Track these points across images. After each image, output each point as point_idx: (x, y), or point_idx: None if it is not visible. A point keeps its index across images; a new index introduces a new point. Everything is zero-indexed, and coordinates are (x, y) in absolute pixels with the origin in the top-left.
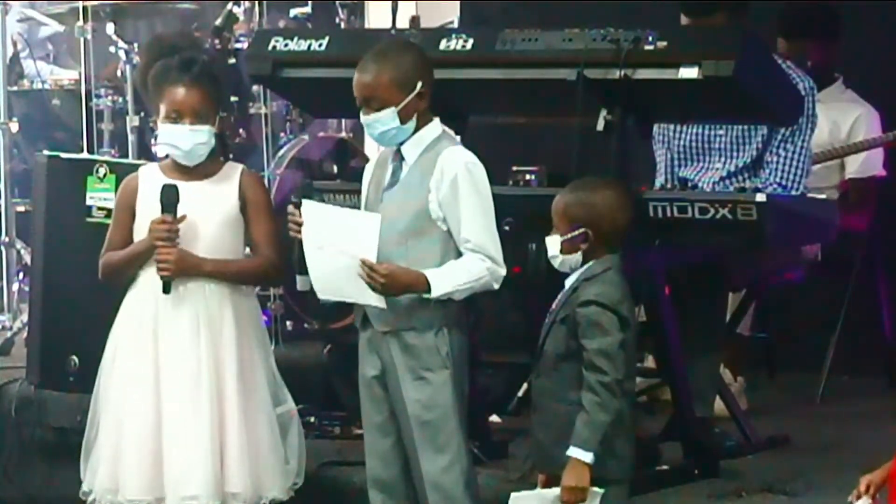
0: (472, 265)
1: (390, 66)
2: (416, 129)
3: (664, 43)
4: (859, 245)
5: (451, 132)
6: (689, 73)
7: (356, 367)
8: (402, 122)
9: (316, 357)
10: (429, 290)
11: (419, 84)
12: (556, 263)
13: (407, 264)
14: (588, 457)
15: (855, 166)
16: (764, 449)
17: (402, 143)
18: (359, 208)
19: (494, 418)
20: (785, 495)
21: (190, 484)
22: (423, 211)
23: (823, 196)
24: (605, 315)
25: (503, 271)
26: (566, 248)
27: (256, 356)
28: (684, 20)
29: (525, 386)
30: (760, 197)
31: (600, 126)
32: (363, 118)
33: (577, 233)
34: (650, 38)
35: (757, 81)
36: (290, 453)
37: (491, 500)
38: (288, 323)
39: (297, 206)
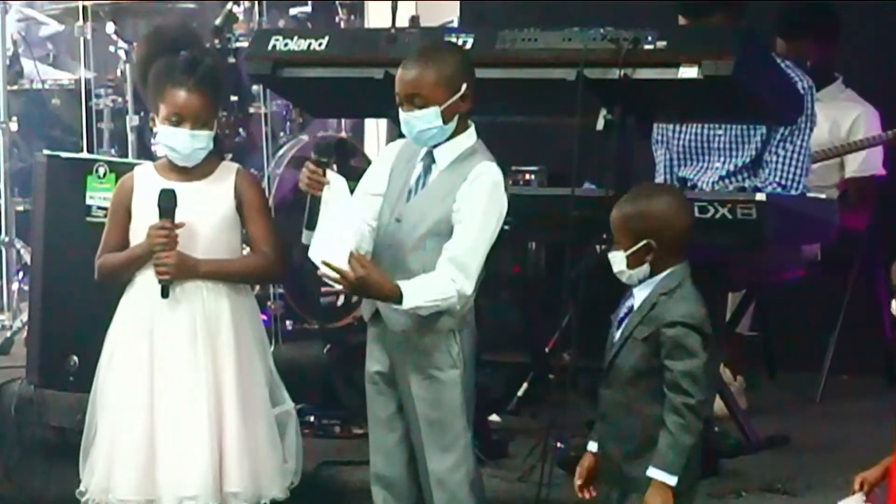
0: (444, 285)
1: (437, 64)
2: (453, 134)
3: (664, 43)
4: (859, 244)
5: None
6: (689, 72)
7: (355, 367)
8: (445, 122)
9: (315, 357)
10: (399, 302)
11: (464, 86)
12: (623, 279)
13: (422, 267)
14: (672, 480)
15: (854, 165)
16: (764, 448)
17: (435, 146)
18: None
19: (494, 418)
20: (785, 494)
21: (188, 484)
22: (446, 218)
23: (823, 195)
24: (692, 336)
25: (470, 291)
26: (633, 263)
27: (255, 356)
28: (682, 21)
29: (524, 385)
30: (760, 196)
31: (600, 126)
32: (404, 115)
33: (640, 245)
34: (650, 38)
35: (756, 81)
36: (288, 453)
37: (491, 499)
38: (287, 322)
39: (319, 163)
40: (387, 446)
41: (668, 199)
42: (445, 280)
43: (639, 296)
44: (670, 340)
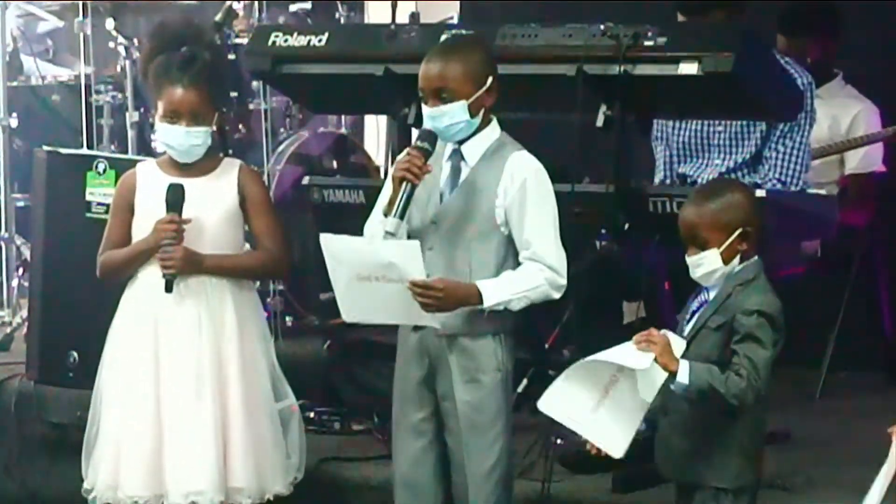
0: (529, 274)
1: (464, 58)
2: (479, 128)
3: (664, 39)
4: (859, 241)
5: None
6: (689, 68)
7: (356, 363)
8: (472, 116)
9: (316, 353)
10: (481, 302)
11: (490, 79)
12: (712, 280)
13: (469, 268)
14: (683, 379)
15: (854, 162)
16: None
17: (461, 142)
18: (365, 202)
19: None
20: (784, 491)
21: (195, 479)
22: (489, 216)
23: (823, 192)
24: (766, 328)
25: (563, 281)
26: (727, 257)
27: (258, 351)
28: (680, 19)
29: (524, 382)
30: (760, 193)
31: (600, 122)
32: (429, 110)
33: (736, 235)
34: (650, 34)
35: (756, 77)
36: (291, 448)
37: None
38: (287, 318)
39: (421, 150)
40: (414, 451)
41: (745, 188)
42: (532, 271)
43: (713, 289)
44: (744, 328)
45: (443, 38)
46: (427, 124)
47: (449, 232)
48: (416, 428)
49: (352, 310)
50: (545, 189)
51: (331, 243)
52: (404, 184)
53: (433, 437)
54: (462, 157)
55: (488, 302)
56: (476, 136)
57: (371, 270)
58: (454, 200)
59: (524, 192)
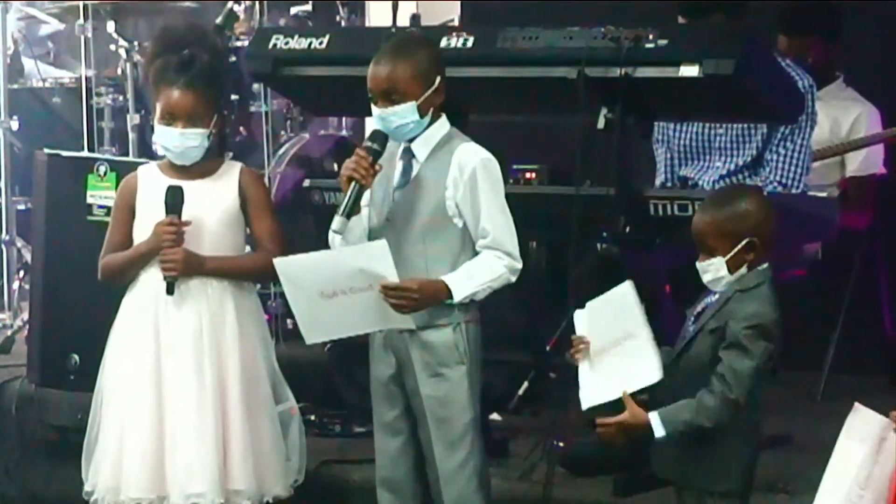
0: (490, 263)
1: (411, 59)
2: (428, 125)
3: (665, 41)
4: (859, 243)
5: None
6: (690, 71)
7: (356, 366)
8: (421, 116)
9: (316, 355)
10: (451, 296)
11: (437, 79)
12: (719, 286)
13: (425, 263)
14: (660, 431)
15: (855, 164)
16: (765, 448)
17: (411, 140)
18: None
19: (495, 416)
20: (786, 494)
21: (195, 481)
22: (440, 208)
23: (824, 194)
24: (755, 338)
25: (520, 265)
26: (733, 265)
27: (259, 353)
28: (681, 21)
29: (525, 384)
30: None
31: (601, 124)
32: (379, 112)
33: (742, 245)
34: (651, 37)
35: (757, 80)
36: (291, 450)
37: (492, 498)
38: (288, 321)
39: (369, 150)
40: (392, 449)
41: (758, 197)
42: (490, 259)
43: (717, 290)
44: (733, 335)
45: (390, 38)
46: (377, 125)
47: (403, 228)
48: (391, 426)
49: (314, 330)
50: (494, 177)
51: (287, 267)
52: (353, 184)
53: (409, 435)
54: (413, 155)
55: (458, 296)
56: (425, 134)
57: (336, 284)
58: (405, 197)
59: (474, 181)
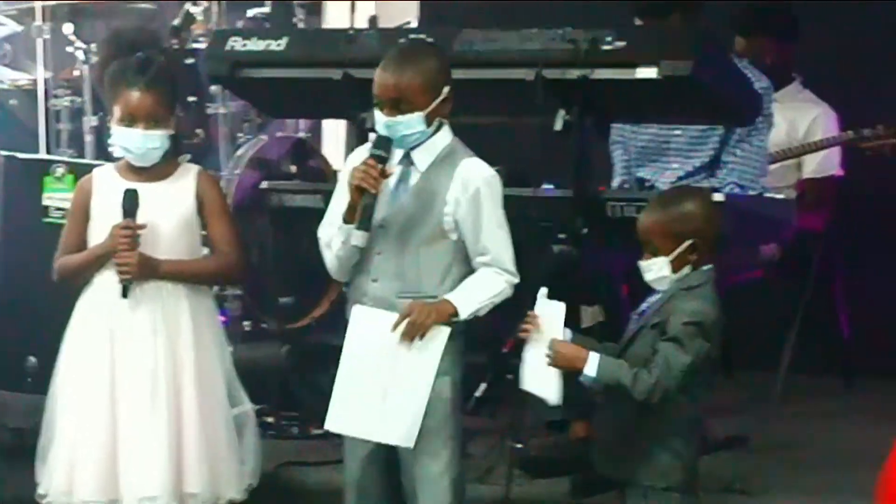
0: (492, 281)
1: (421, 68)
2: (431, 134)
3: (622, 43)
4: (816, 245)
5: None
6: (648, 73)
7: (314, 368)
8: (427, 125)
9: (274, 357)
10: (457, 315)
11: (446, 88)
12: (663, 286)
13: (417, 273)
14: (591, 372)
15: (812, 166)
16: (721, 448)
17: (412, 147)
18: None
19: None
20: (742, 495)
21: (148, 484)
22: (437, 222)
23: (781, 196)
24: (693, 337)
25: (517, 279)
26: (676, 266)
27: (214, 357)
28: (638, 23)
29: (483, 386)
30: (718, 197)
31: (558, 126)
32: (385, 119)
33: (685, 246)
34: (608, 39)
35: (715, 81)
36: (245, 454)
37: None
38: (245, 323)
39: (377, 157)
40: (363, 454)
41: (703, 200)
42: (491, 276)
43: (660, 288)
44: (673, 331)
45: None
46: (382, 131)
47: (398, 236)
48: None
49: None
50: (497, 194)
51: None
52: (364, 194)
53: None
54: (412, 163)
55: (464, 314)
56: (427, 142)
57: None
58: (404, 205)
59: (478, 200)
